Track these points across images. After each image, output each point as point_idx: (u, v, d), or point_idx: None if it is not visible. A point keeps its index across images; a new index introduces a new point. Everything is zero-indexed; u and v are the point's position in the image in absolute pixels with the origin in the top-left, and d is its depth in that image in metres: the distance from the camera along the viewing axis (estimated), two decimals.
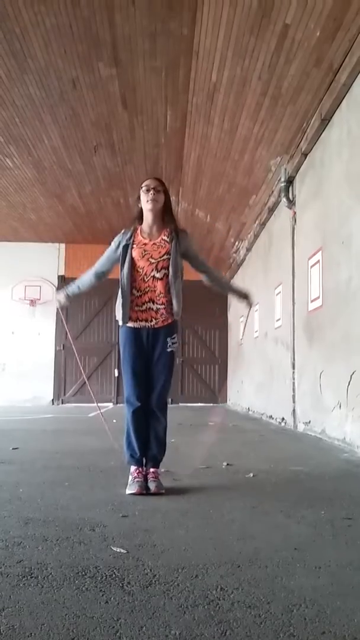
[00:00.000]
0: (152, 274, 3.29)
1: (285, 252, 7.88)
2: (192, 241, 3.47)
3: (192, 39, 5.80)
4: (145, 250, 3.30)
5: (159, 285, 3.28)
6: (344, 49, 5.01)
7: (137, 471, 3.26)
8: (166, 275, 3.29)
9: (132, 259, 3.32)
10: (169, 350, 3.31)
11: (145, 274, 3.29)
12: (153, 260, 3.29)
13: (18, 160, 9.05)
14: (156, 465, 3.31)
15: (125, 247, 3.33)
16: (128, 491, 3.14)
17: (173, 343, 3.34)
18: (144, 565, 1.94)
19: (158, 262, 3.29)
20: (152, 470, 3.28)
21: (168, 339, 3.31)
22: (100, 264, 3.54)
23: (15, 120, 7.67)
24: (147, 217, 3.36)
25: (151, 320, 3.30)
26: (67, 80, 6.68)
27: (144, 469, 3.29)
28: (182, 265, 3.36)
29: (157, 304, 3.29)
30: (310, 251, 6.61)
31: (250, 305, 3.68)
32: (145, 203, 3.31)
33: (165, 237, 3.33)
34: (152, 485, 3.17)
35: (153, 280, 3.29)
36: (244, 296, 3.64)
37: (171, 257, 3.28)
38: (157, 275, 3.29)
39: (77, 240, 13.87)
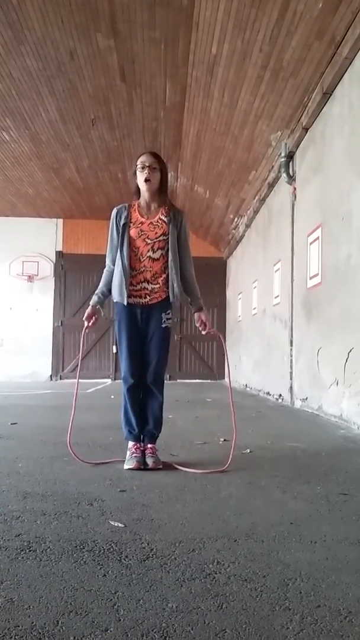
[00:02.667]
0: (148, 254, 3.25)
1: (284, 229, 7.84)
2: (187, 226, 3.37)
3: (192, 10, 5.68)
4: (142, 230, 3.26)
5: (155, 266, 3.25)
6: (346, 21, 4.90)
7: (135, 447, 3.27)
8: (162, 256, 3.25)
9: (129, 238, 3.27)
10: (163, 326, 3.28)
11: (141, 254, 3.25)
12: (149, 241, 3.24)
13: (15, 134, 8.94)
14: (153, 441, 3.32)
15: (124, 227, 3.29)
16: (126, 466, 3.17)
17: (168, 319, 3.29)
18: (142, 539, 1.96)
19: (154, 242, 3.24)
20: (149, 446, 3.29)
21: (162, 315, 3.27)
22: (111, 258, 3.37)
23: (11, 93, 7.56)
24: (144, 194, 3.32)
25: (145, 297, 3.27)
26: (64, 51, 6.56)
27: (142, 444, 3.31)
28: (187, 245, 3.34)
29: (152, 283, 3.25)
30: (309, 227, 6.57)
31: (208, 330, 3.40)
32: (141, 182, 3.26)
33: (163, 217, 3.27)
34: (149, 461, 3.20)
35: (149, 260, 3.25)
36: (202, 320, 3.37)
37: (169, 239, 3.24)
38: (153, 255, 3.25)
39: (74, 215, 13.78)
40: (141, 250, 3.25)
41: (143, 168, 3.23)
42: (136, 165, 3.28)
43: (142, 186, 3.26)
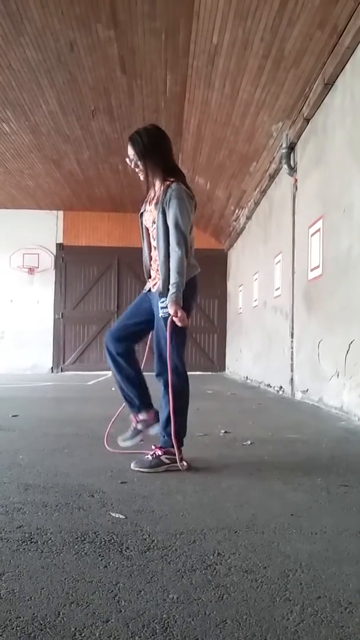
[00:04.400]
0: (153, 243, 3.13)
1: (285, 220, 7.82)
2: (172, 201, 2.92)
3: (193, 0, 5.64)
4: (146, 219, 3.16)
5: (155, 254, 3.11)
6: (348, 11, 4.86)
7: (132, 417, 3.23)
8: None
9: (145, 228, 3.19)
10: (160, 316, 3.02)
11: (151, 243, 3.16)
12: (151, 230, 3.13)
13: (15, 126, 8.90)
14: (162, 442, 3.01)
15: (141, 216, 3.22)
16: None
17: (162, 308, 2.97)
18: (143, 531, 1.97)
19: (153, 231, 3.10)
20: (154, 445, 3.04)
21: (158, 304, 3.02)
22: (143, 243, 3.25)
23: (11, 84, 7.52)
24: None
25: (149, 284, 3.19)
26: (64, 42, 6.52)
27: (140, 415, 3.19)
28: (171, 222, 2.92)
29: (153, 271, 3.16)
30: (310, 219, 6.55)
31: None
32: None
33: (156, 201, 3.05)
34: (135, 464, 2.99)
35: (154, 249, 3.12)
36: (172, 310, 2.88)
37: (157, 225, 3.00)
38: (154, 243, 3.10)
39: (75, 207, 13.74)
40: (151, 239, 3.17)
41: (130, 162, 3.09)
42: None
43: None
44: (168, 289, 2.91)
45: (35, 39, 6.44)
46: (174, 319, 2.88)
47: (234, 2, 5.40)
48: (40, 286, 14.09)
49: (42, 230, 13.97)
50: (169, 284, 2.92)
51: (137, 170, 3.08)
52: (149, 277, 3.22)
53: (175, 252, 2.91)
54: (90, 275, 14.01)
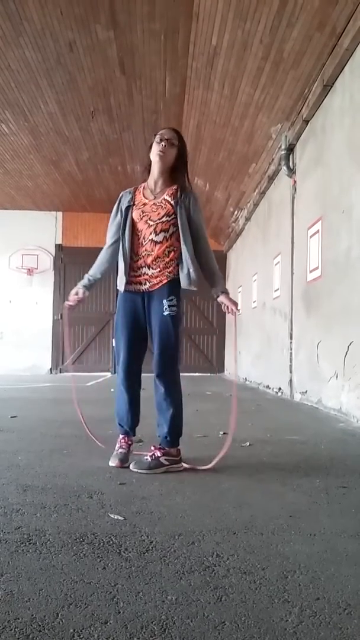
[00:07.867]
0: (150, 237, 3.02)
1: (284, 222, 7.82)
2: (197, 207, 3.08)
3: (192, 1, 5.65)
4: (143, 212, 3.05)
5: (157, 250, 3.01)
6: (347, 12, 4.87)
7: (123, 439, 3.10)
8: (166, 238, 2.99)
9: (132, 221, 3.09)
10: (165, 314, 2.97)
11: (144, 238, 3.04)
12: (152, 223, 3.02)
13: (14, 126, 8.91)
14: (164, 445, 2.98)
15: (127, 209, 3.10)
16: (110, 463, 3.02)
17: (170, 306, 2.96)
18: (141, 532, 1.97)
19: (157, 224, 3.01)
20: (153, 447, 3.01)
21: (164, 302, 2.97)
22: (109, 235, 3.21)
23: (10, 85, 7.52)
24: (154, 170, 3.09)
25: (145, 284, 3.03)
26: (63, 43, 6.53)
27: (131, 439, 3.13)
28: (200, 226, 3.09)
29: (152, 268, 3.02)
30: (310, 221, 6.55)
31: (234, 312, 3.08)
32: (154, 154, 3.04)
33: (168, 197, 3.04)
34: (135, 465, 2.96)
35: (151, 243, 3.02)
36: (229, 301, 3.07)
37: (178, 219, 2.99)
38: (156, 238, 3.01)
39: (74, 208, 13.75)
40: (143, 233, 3.04)
41: (161, 140, 3.02)
42: (154, 137, 3.07)
43: (154, 157, 3.05)
44: (188, 281, 3.00)
45: (34, 39, 6.44)
46: (237, 309, 3.09)
47: (233, 4, 5.41)
48: (39, 287, 14.10)
49: (41, 231, 13.98)
50: (195, 276, 3.01)
51: (164, 147, 3.02)
52: (134, 272, 3.09)
53: (211, 252, 3.18)
54: None
